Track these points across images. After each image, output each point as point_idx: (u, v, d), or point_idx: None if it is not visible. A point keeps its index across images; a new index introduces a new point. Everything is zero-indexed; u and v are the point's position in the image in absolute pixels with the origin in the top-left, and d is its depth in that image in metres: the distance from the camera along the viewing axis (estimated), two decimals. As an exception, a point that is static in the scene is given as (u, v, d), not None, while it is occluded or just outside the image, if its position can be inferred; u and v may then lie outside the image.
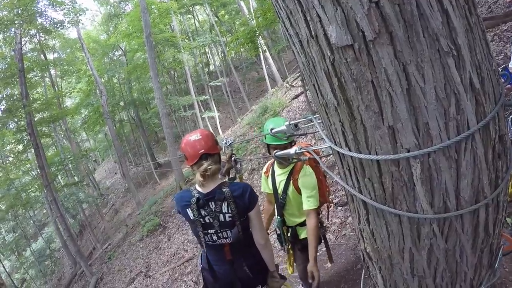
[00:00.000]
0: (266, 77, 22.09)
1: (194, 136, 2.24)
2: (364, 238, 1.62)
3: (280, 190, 2.91)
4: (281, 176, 2.90)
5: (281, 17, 1.32)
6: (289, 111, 11.91)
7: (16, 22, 14.21)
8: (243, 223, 2.21)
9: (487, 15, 6.34)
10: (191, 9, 28.42)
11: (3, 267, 20.87)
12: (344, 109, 1.23)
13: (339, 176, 1.63)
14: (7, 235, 25.16)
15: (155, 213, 13.52)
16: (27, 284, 25.05)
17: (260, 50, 16.40)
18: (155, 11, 21.08)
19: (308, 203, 2.69)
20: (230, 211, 2.14)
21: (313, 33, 1.16)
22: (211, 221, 2.18)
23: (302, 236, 3.00)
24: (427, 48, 1.03)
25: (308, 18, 1.15)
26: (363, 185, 1.38)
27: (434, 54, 1.04)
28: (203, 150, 2.17)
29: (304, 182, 2.73)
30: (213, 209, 2.17)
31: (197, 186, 2.25)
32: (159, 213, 13.22)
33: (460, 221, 1.29)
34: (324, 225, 3.14)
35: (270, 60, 21.49)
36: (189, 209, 2.20)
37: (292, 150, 2.12)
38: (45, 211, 26.58)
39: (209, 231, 2.22)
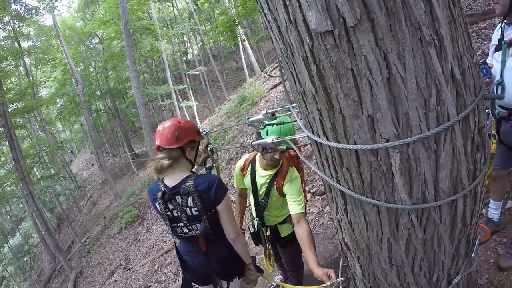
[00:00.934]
0: (245, 66, 21.99)
1: (161, 126, 2.19)
2: (342, 228, 1.62)
3: (261, 193, 2.79)
4: (264, 178, 2.75)
5: (260, 2, 1.27)
6: (267, 101, 11.87)
7: (-12, 8, 13.61)
8: (211, 217, 2.12)
9: (467, 12, 6.44)
10: (170, -3, 27.97)
11: None
12: (322, 97, 1.20)
13: (316, 166, 1.60)
14: None
15: (133, 204, 13.37)
16: (6, 282, 24.46)
17: (239, 39, 16.27)
18: (134, -2, 20.56)
19: (297, 207, 2.53)
20: (195, 206, 2.06)
21: (292, 18, 1.12)
22: (179, 214, 2.12)
23: (284, 234, 2.93)
24: (409, 37, 1.01)
25: (287, 2, 1.11)
26: (341, 175, 1.36)
27: (416, 43, 1.03)
28: (157, 142, 2.13)
29: (291, 188, 2.58)
30: (180, 203, 2.10)
31: (165, 179, 2.17)
32: (137, 204, 13.07)
33: (439, 211, 1.29)
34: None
35: (249, 50, 21.36)
36: (157, 202, 2.16)
37: (269, 139, 2.05)
38: (21, 205, 26.04)
39: (178, 224, 2.17)
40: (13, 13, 15.53)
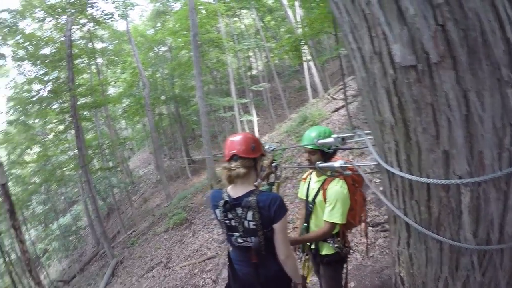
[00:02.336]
0: (308, 86, 21.94)
1: (235, 137, 2.29)
2: (401, 262, 1.60)
3: (310, 198, 2.88)
4: (315, 183, 2.85)
5: (344, 30, 1.33)
6: (328, 123, 11.73)
7: (68, 10, 14.79)
8: (266, 234, 2.15)
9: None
10: (238, 13, 28.71)
11: (29, 235, 21.71)
12: (401, 129, 1.23)
13: (383, 195, 1.61)
14: (37, 207, 26.14)
15: (183, 207, 13.56)
16: (48, 255, 25.96)
17: (304, 59, 16.34)
18: (203, 11, 21.45)
19: (328, 214, 2.62)
20: (254, 220, 2.11)
21: (377, 50, 1.17)
22: (237, 225, 2.19)
23: (322, 252, 2.90)
24: (488, 76, 1.02)
25: (373, 34, 1.16)
26: (409, 207, 1.36)
27: (495, 82, 1.03)
28: (234, 151, 2.20)
29: (331, 193, 2.63)
30: (239, 215, 2.17)
31: (229, 189, 2.26)
32: (187, 208, 13.25)
33: (500, 255, 1.26)
34: (347, 245, 2.97)
35: (314, 70, 21.33)
36: (218, 209, 2.25)
37: (336, 164, 2.09)
38: (76, 189, 27.41)
39: (234, 233, 2.24)
40: (89, 16, 16.53)
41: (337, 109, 12.76)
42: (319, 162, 2.33)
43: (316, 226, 2.89)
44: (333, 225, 2.63)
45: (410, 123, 1.18)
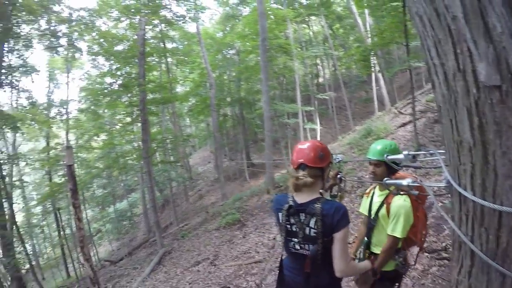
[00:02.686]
0: (375, 98, 21.43)
1: (303, 145, 2.30)
2: (459, 291, 1.50)
3: (373, 212, 2.84)
4: (378, 197, 2.82)
5: (427, 44, 1.28)
6: (393, 139, 11.26)
7: (142, 11, 15.68)
8: (326, 242, 2.12)
9: None
10: (306, 19, 28.71)
11: (86, 215, 23.11)
12: (479, 151, 1.16)
13: (451, 219, 1.52)
14: (97, 190, 27.95)
15: (238, 208, 13.68)
16: (101, 235, 27.77)
17: (372, 70, 15.92)
18: (272, 17, 21.59)
19: (391, 227, 2.58)
20: (315, 227, 2.10)
21: (461, 67, 1.12)
22: (297, 230, 2.19)
23: (384, 268, 2.79)
24: None
25: (458, 51, 1.11)
26: (477, 234, 1.28)
27: None
28: (302, 160, 2.21)
29: (395, 207, 2.59)
30: (302, 221, 2.16)
31: (294, 194, 2.26)
32: (241, 210, 13.34)
33: None
34: (407, 264, 2.89)
35: (381, 82, 20.75)
36: (281, 213, 2.25)
37: (404, 182, 2.03)
38: (136, 178, 28.94)
39: (292, 239, 2.23)
40: (162, 17, 17.40)
41: (404, 125, 12.27)
42: (386, 179, 2.29)
43: (378, 241, 2.85)
44: (396, 239, 2.58)
45: (489, 146, 1.12)
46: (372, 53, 11.93)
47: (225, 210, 14.08)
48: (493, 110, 1.05)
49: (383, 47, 11.63)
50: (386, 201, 2.69)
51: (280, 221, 2.27)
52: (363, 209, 3.07)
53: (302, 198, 2.21)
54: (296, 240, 2.22)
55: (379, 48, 11.86)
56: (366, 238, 2.96)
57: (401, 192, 2.47)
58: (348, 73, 34.55)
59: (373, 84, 21.56)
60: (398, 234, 2.55)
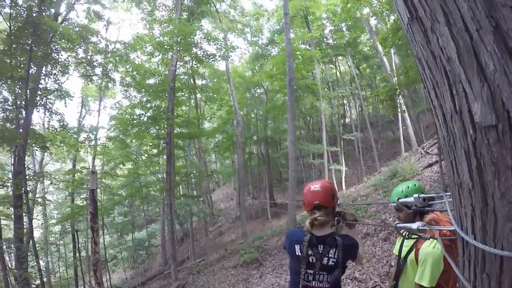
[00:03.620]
0: (401, 138, 21.13)
1: (315, 186, 2.49)
2: None
3: (402, 255, 2.76)
4: (410, 240, 2.74)
5: (427, 87, 1.28)
6: (419, 179, 11.04)
7: (174, 48, 16.37)
8: (343, 269, 2.41)
9: None
10: (333, 59, 29.14)
11: (103, 240, 23.21)
12: (478, 193, 1.12)
13: (456, 265, 1.45)
14: (118, 217, 28.26)
15: (257, 248, 13.56)
16: (116, 262, 27.61)
17: (399, 109, 15.80)
18: (299, 57, 21.96)
19: (419, 275, 2.47)
20: (335, 257, 2.35)
21: (457, 108, 1.11)
22: (314, 261, 2.39)
23: None
24: None
25: (454, 92, 1.10)
26: (480, 280, 1.21)
27: None
28: (318, 202, 2.42)
29: (423, 254, 2.49)
30: (320, 251, 2.38)
31: (313, 229, 2.47)
32: (260, 249, 13.21)
33: None
34: None
35: (408, 121, 20.50)
36: (299, 245, 2.43)
37: (414, 225, 1.97)
38: (157, 210, 29.20)
39: (308, 270, 2.40)
40: (193, 55, 17.97)
41: (430, 165, 12.01)
42: (397, 222, 2.24)
43: (404, 286, 2.78)
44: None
45: (488, 188, 1.07)
46: (398, 92, 11.88)
47: (244, 248, 13.91)
48: (490, 150, 1.02)
49: (409, 85, 11.57)
50: (415, 246, 2.62)
51: (298, 253, 2.43)
52: (396, 250, 2.99)
53: (318, 232, 2.44)
54: (311, 271, 2.40)
55: (405, 87, 11.84)
56: (394, 281, 2.87)
57: (430, 237, 2.38)
58: (375, 114, 34.45)
59: (400, 124, 21.34)
60: (425, 283, 2.43)
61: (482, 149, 1.05)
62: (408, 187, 2.71)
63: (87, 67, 18.62)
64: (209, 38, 18.31)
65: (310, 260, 2.39)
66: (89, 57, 17.96)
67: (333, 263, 2.36)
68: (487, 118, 0.99)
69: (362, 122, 29.90)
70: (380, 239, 7.92)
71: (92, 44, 17.44)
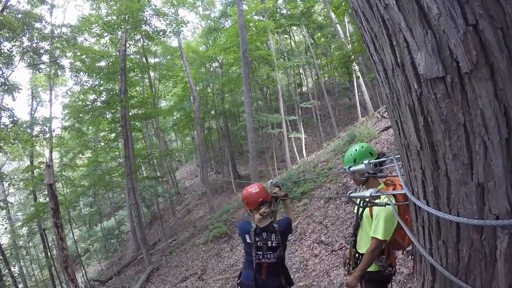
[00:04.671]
0: (358, 104, 21.52)
1: (254, 189, 3.29)
2: (425, 307, 1.36)
3: (359, 211, 2.90)
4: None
5: (366, 41, 1.17)
6: (376, 143, 11.29)
7: (122, 26, 15.61)
8: (283, 248, 3.24)
9: None
10: (287, 29, 28.90)
11: (72, 234, 22.86)
12: (428, 154, 1.02)
13: (411, 231, 1.39)
14: (84, 209, 27.58)
15: (225, 221, 13.58)
16: (89, 255, 27.14)
17: (354, 76, 15.96)
18: (253, 28, 21.62)
19: (373, 229, 2.63)
20: (276, 240, 3.16)
21: (399, 61, 0.99)
22: (261, 245, 3.16)
23: (369, 269, 2.81)
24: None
25: (394, 42, 0.98)
26: (436, 247, 1.14)
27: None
28: (261, 199, 3.23)
29: (376, 209, 2.61)
30: (264, 237, 3.17)
31: (255, 221, 3.21)
32: (228, 223, 13.25)
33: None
34: (393, 268, 2.87)
35: (363, 88, 20.85)
36: (247, 234, 3.20)
37: (367, 193, 1.96)
38: (123, 195, 28.67)
39: (258, 252, 3.16)
40: (143, 33, 17.33)
41: (387, 128, 12.27)
42: (350, 192, 2.21)
43: (362, 240, 2.91)
44: (379, 241, 2.60)
45: (438, 148, 0.98)
46: (352, 59, 11.91)
47: (212, 223, 13.95)
48: (439, 106, 0.91)
49: (363, 53, 11.60)
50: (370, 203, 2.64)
51: (248, 240, 3.20)
52: (355, 209, 3.11)
53: (261, 224, 3.21)
54: (260, 252, 3.16)
55: (359, 54, 11.85)
56: (353, 237, 3.01)
57: (385, 204, 2.38)
58: (331, 81, 34.82)
59: (355, 90, 21.68)
60: (379, 235, 2.56)
61: (429, 105, 0.94)
62: (356, 150, 2.76)
63: (34, 56, 17.32)
64: (159, 13, 17.61)
65: (258, 245, 3.16)
66: (34, 44, 16.64)
67: (275, 244, 3.16)
68: (433, 70, 0.88)
69: (319, 90, 30.18)
70: (343, 202, 8.08)
71: (37, 31, 16.17)
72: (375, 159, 2.49)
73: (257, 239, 3.16)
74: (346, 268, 3.17)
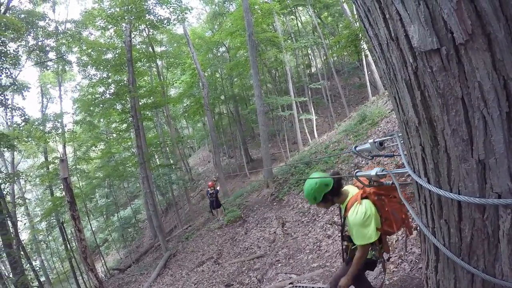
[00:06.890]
0: (368, 83, 21.19)
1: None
2: (429, 287, 1.33)
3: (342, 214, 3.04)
4: (342, 206, 3.01)
5: (360, 16, 1.12)
6: (388, 122, 11.15)
7: (126, 17, 15.58)
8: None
9: None
10: (293, 10, 28.43)
11: (90, 226, 23.40)
12: (426, 130, 0.98)
13: (415, 210, 1.35)
14: (100, 200, 28.11)
15: (239, 205, 13.75)
16: (107, 244, 27.94)
17: (363, 54, 15.67)
18: (258, 11, 21.30)
19: (354, 239, 2.76)
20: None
21: (393, 35, 0.94)
22: None
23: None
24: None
25: (387, 15, 0.93)
26: (438, 226, 1.10)
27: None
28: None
29: (348, 223, 2.77)
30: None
31: None
32: (242, 206, 13.40)
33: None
34: (380, 257, 3.00)
35: (373, 66, 20.46)
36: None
37: (372, 172, 1.97)
38: (138, 185, 29.07)
39: None
40: (148, 22, 17.33)
41: (397, 107, 12.09)
42: (357, 171, 2.21)
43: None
44: (363, 247, 2.72)
45: (436, 124, 0.93)
46: (360, 37, 11.71)
47: (227, 208, 14.09)
48: (435, 80, 0.87)
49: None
50: (345, 214, 2.86)
51: None
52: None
53: None
54: None
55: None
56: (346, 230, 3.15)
57: (391, 183, 2.38)
58: (340, 61, 34.29)
59: (365, 69, 21.32)
60: (359, 242, 2.71)
61: (426, 79, 0.89)
62: (312, 189, 2.85)
63: (40, 54, 17.63)
64: (162, 1, 17.50)
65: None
66: (40, 43, 16.96)
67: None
68: (427, 42, 0.83)
69: (328, 70, 29.75)
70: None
71: (41, 29, 16.41)
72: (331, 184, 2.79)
73: None
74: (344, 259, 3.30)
